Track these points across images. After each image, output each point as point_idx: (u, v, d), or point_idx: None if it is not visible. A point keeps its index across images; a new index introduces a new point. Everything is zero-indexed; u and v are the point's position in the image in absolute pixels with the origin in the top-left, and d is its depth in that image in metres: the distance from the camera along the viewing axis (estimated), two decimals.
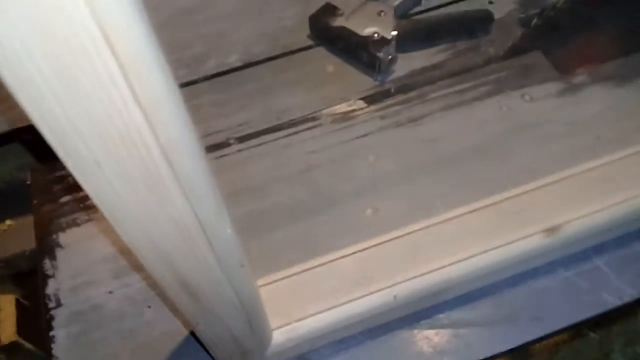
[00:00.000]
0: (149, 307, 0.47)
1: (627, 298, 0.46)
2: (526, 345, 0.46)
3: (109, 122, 0.20)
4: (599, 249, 0.48)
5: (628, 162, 0.49)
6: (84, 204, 0.53)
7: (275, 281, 0.44)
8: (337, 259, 0.45)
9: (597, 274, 0.48)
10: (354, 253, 0.46)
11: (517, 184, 0.49)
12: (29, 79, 0.18)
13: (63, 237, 0.51)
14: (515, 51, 0.60)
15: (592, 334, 0.99)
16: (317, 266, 0.45)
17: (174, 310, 0.47)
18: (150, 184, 0.23)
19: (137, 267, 0.49)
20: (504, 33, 0.62)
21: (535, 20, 0.60)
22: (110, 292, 0.48)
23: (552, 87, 0.57)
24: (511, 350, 0.46)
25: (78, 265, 0.50)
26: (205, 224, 0.27)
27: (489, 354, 0.45)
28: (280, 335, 0.42)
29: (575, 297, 0.47)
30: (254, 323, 0.37)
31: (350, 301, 0.43)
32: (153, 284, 0.48)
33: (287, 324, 0.42)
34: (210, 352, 0.41)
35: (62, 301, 0.48)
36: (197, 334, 0.38)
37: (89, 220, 0.52)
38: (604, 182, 0.48)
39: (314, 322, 0.43)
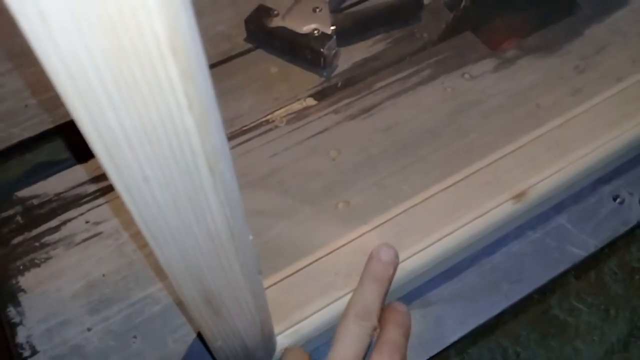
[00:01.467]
0: (135, 337, 0.45)
1: (592, 248, 0.50)
2: (512, 307, 0.48)
3: (162, 131, 0.19)
4: (559, 207, 0.52)
5: (570, 124, 0.53)
6: (40, 242, 0.50)
7: (269, 287, 0.43)
8: (324, 255, 0.45)
9: (562, 230, 0.51)
10: (339, 247, 0.46)
11: (475, 159, 0.51)
12: (87, 85, 0.16)
13: (24, 281, 0.48)
14: (448, 34, 0.63)
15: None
16: (306, 266, 0.45)
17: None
18: (193, 196, 0.22)
19: (113, 297, 0.47)
20: (435, 18, 0.64)
21: (463, 3, 0.63)
22: (89, 329, 0.45)
23: (488, 63, 0.60)
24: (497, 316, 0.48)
25: (47, 307, 0.46)
26: (235, 233, 0.26)
27: (480, 322, 0.47)
28: (284, 340, 0.41)
29: (546, 255, 0.50)
30: (265, 331, 0.37)
31: (346, 294, 0.43)
32: (136, 311, 0.46)
33: (289, 328, 0.42)
34: None
35: (38, 348, 0.44)
36: (213, 352, 0.37)
37: (48, 258, 0.49)
38: (554, 146, 0.51)
39: (315, 321, 0.42)
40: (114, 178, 0.20)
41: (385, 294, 0.41)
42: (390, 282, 0.41)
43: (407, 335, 0.41)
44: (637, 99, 0.54)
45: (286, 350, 0.41)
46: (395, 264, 0.42)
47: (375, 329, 0.39)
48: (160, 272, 0.47)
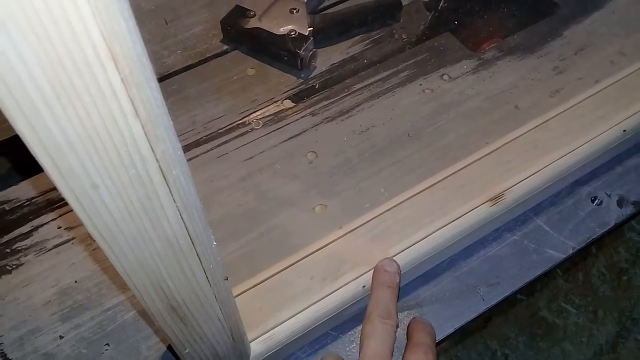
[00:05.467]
0: (107, 345, 0.44)
1: (570, 251, 0.50)
2: (489, 311, 0.48)
3: (108, 139, 0.18)
4: (537, 209, 0.52)
5: (548, 126, 0.53)
6: (11, 248, 0.49)
7: (243, 292, 0.43)
8: (299, 260, 0.45)
9: (540, 232, 0.50)
10: (315, 252, 0.45)
11: (453, 161, 0.51)
12: (25, 97, 0.16)
13: None
14: (426, 35, 0.62)
15: (519, 296, 1.05)
16: (281, 271, 0.44)
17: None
18: (146, 203, 0.21)
19: (85, 304, 0.46)
20: (413, 19, 0.64)
21: (442, 3, 0.63)
22: (61, 337, 0.44)
23: (467, 64, 0.60)
24: (474, 319, 0.48)
25: (18, 314, 0.45)
26: (195, 239, 0.25)
27: (457, 325, 0.46)
28: (258, 346, 0.41)
29: (524, 257, 0.49)
30: (236, 337, 0.36)
31: (321, 299, 0.43)
32: (109, 318, 0.45)
33: (263, 334, 0.41)
34: None
35: (9, 356, 0.43)
36: None
37: (19, 264, 0.48)
38: (531, 148, 0.51)
39: (290, 327, 0.42)
40: (61, 186, 0.19)
41: (397, 298, 0.43)
42: (398, 288, 0.44)
43: (434, 339, 0.44)
44: (615, 101, 0.54)
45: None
46: (400, 273, 0.44)
47: (397, 326, 0.42)
48: None
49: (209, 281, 0.29)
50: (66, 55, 0.16)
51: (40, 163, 0.18)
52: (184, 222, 0.24)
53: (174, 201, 0.22)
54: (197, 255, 0.26)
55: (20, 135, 0.17)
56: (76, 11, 0.15)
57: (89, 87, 0.17)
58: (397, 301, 0.44)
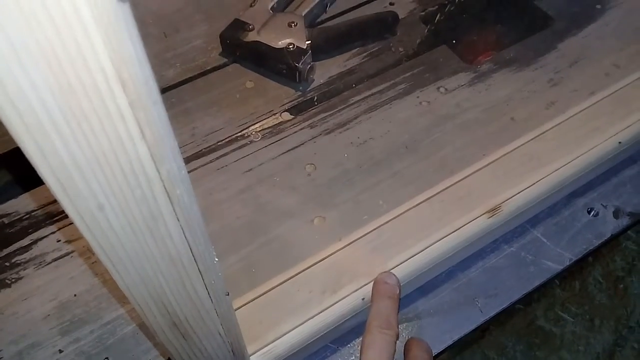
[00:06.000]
0: (107, 358, 0.44)
1: (567, 262, 0.50)
2: (487, 322, 0.48)
3: (115, 160, 0.19)
4: (534, 221, 0.52)
5: (545, 138, 0.53)
6: (10, 262, 0.49)
7: (243, 305, 0.43)
8: (298, 272, 0.45)
9: (537, 244, 0.51)
10: (314, 264, 0.46)
11: (450, 173, 0.51)
12: (35, 122, 0.16)
13: None
14: (423, 47, 0.63)
15: (516, 305, 1.06)
16: (280, 284, 0.45)
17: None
18: (150, 222, 0.22)
19: (85, 318, 0.46)
20: (410, 32, 0.64)
21: (438, 17, 0.64)
22: (61, 351, 0.44)
23: (463, 77, 0.61)
24: (473, 331, 0.48)
25: (18, 328, 0.45)
26: (198, 256, 0.25)
27: (456, 337, 0.46)
28: (258, 359, 0.41)
29: (522, 269, 0.50)
30: (236, 351, 0.36)
31: (321, 311, 0.43)
32: (108, 332, 0.45)
33: (263, 347, 0.41)
34: None
35: None
36: None
37: (19, 278, 0.48)
38: (528, 160, 0.51)
39: (289, 340, 0.42)
40: (67, 206, 0.19)
41: (397, 309, 0.43)
42: (398, 299, 0.44)
43: (430, 355, 0.44)
44: (610, 113, 0.55)
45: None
46: (399, 286, 0.44)
47: (397, 336, 0.42)
48: None
49: (210, 297, 0.29)
50: (76, 81, 0.16)
51: (47, 185, 0.19)
52: (187, 240, 0.24)
53: (178, 220, 0.23)
54: (200, 272, 0.26)
55: (29, 158, 0.17)
56: (86, 38, 0.15)
57: (97, 111, 0.17)
58: (398, 313, 0.44)
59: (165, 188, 0.21)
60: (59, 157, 0.17)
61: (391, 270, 0.45)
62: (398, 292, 0.44)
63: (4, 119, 0.16)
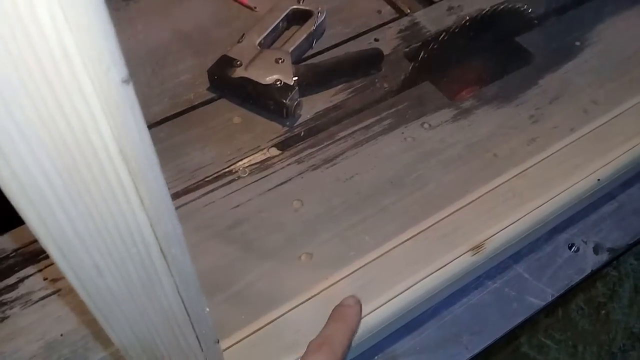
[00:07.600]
0: None
1: (550, 297, 0.51)
2: (473, 359, 0.48)
3: (114, 226, 0.19)
4: (517, 257, 0.53)
5: (526, 175, 0.55)
6: None
7: (231, 346, 0.43)
8: (284, 313, 0.46)
9: (520, 280, 0.52)
10: (299, 305, 0.46)
11: (435, 209, 0.52)
12: (39, 195, 0.17)
13: None
14: (407, 84, 0.64)
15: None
16: (266, 324, 0.45)
17: None
18: (147, 283, 0.22)
19: (72, 358, 0.46)
20: (394, 68, 0.66)
21: (422, 54, 0.65)
22: None
23: (446, 113, 0.62)
24: None
25: None
26: (191, 310, 0.26)
27: None
28: None
29: (505, 305, 0.51)
30: None
31: None
32: None
33: None
34: None
35: None
36: None
37: (5, 317, 0.48)
38: (511, 197, 0.53)
39: None
40: (68, 274, 0.20)
41: (352, 332, 0.42)
42: (356, 322, 0.43)
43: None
44: (590, 150, 0.56)
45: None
46: (360, 306, 0.44)
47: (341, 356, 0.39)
48: None
49: (201, 346, 0.29)
50: (80, 157, 0.17)
51: (48, 253, 0.19)
52: (180, 296, 0.24)
53: (172, 276, 0.23)
54: (191, 323, 0.27)
55: (31, 230, 0.18)
56: (90, 116, 0.16)
57: (99, 185, 0.17)
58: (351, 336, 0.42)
59: (161, 249, 0.21)
60: (61, 229, 0.18)
61: (376, 310, 0.45)
62: (356, 311, 0.43)
63: (8, 193, 0.17)
